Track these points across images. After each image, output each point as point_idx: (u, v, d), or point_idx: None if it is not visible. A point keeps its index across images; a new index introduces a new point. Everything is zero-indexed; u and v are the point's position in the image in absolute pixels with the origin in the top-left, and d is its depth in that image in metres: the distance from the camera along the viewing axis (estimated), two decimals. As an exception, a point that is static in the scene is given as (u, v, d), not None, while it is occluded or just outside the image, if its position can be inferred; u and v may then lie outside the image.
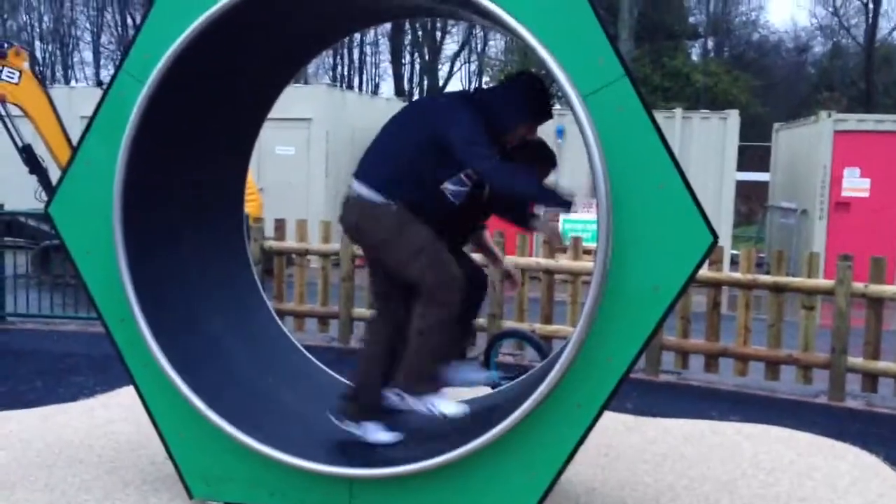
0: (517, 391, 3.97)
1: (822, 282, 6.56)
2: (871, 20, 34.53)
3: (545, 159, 4.06)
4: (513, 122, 3.66)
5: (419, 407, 3.66)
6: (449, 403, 3.66)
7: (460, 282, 3.56)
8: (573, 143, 12.43)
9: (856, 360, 6.39)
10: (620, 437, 5.11)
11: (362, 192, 3.66)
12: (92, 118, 3.76)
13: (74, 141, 5.79)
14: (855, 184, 12.38)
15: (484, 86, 4.34)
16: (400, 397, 3.69)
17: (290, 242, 7.99)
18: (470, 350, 3.82)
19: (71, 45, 42.93)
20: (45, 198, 8.71)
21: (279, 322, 4.82)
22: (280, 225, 8.03)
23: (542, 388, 3.34)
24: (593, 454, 4.70)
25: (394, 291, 3.84)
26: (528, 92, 3.69)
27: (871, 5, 34.45)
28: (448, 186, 3.69)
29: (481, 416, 3.77)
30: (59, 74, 41.32)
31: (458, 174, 3.67)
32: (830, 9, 38.32)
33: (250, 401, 4.02)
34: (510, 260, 6.96)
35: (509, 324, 7.17)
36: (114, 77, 3.74)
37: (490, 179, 3.61)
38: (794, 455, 4.92)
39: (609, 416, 5.33)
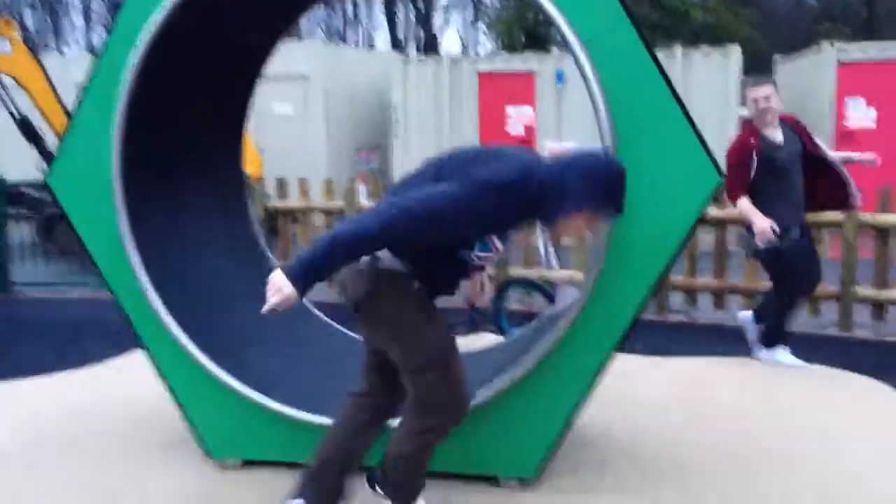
0: (528, 340, 3.97)
1: (829, 214, 6.52)
2: (871, -55, 33.82)
3: None
4: (566, 207, 2.78)
5: None
6: None
7: (467, 398, 3.05)
8: (573, 88, 12.30)
9: (865, 291, 6.40)
10: (632, 378, 5.13)
11: (381, 254, 2.92)
12: (85, 85, 3.71)
13: (70, 108, 5.74)
14: (860, 114, 12.20)
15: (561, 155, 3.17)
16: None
17: (294, 201, 7.97)
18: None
19: (60, 12, 42.37)
20: (45, 167, 8.68)
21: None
22: (282, 184, 8.02)
23: (554, 334, 3.35)
24: (606, 397, 4.72)
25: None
26: (597, 176, 2.77)
27: (870, -70, 33.72)
28: (477, 254, 3.01)
29: (496, 363, 3.78)
30: (50, 42, 40.87)
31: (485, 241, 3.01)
32: (830, -64, 37.55)
33: (267, 361, 4.02)
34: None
35: (517, 272, 7.16)
36: (105, 42, 3.68)
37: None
38: (806, 386, 4.94)
39: (620, 358, 5.34)
